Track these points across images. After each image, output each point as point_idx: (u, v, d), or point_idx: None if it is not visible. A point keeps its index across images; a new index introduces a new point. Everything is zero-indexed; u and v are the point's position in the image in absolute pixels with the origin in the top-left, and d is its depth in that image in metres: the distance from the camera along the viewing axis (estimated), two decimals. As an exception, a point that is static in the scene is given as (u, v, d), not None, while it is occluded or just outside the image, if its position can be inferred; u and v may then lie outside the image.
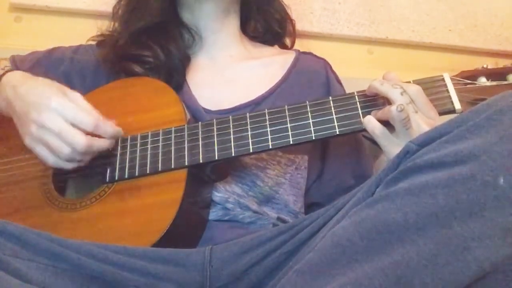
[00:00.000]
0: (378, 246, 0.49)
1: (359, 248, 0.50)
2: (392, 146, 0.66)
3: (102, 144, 0.72)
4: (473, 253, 0.46)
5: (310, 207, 0.87)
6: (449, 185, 0.49)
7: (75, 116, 0.70)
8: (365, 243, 0.50)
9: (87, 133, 0.70)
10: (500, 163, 0.48)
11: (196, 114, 0.82)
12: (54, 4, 1.12)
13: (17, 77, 0.77)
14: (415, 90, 0.66)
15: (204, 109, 0.83)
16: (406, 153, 0.55)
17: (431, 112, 0.66)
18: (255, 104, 0.85)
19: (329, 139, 0.88)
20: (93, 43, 0.94)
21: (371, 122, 0.68)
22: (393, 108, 0.64)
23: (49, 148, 0.70)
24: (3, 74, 0.79)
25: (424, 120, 0.65)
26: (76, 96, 0.73)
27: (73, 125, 0.69)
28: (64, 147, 0.69)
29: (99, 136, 0.72)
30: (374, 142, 0.70)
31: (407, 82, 0.70)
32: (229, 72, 0.90)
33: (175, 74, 0.85)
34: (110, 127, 0.73)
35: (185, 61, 0.88)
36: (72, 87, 0.89)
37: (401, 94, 0.65)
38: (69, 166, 0.72)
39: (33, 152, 0.72)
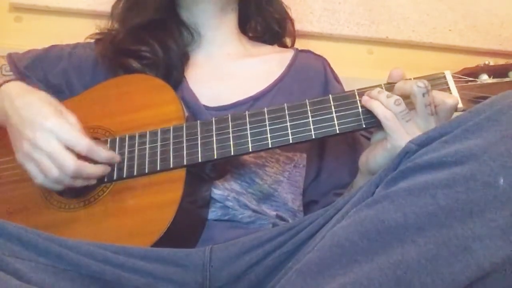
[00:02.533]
0: (378, 246, 0.49)
1: (359, 248, 0.50)
2: (401, 132, 0.65)
3: (93, 170, 0.71)
4: (473, 253, 0.46)
5: (307, 205, 0.87)
6: (449, 185, 0.49)
7: (70, 138, 0.69)
8: (365, 243, 0.50)
9: (82, 158, 0.69)
10: (500, 163, 0.48)
11: (195, 110, 0.82)
12: (54, 4, 1.12)
13: (15, 88, 0.76)
14: (451, 104, 0.66)
15: (204, 105, 0.83)
16: (406, 153, 0.55)
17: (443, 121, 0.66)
18: (254, 100, 0.85)
19: (327, 138, 0.88)
20: (91, 41, 0.94)
21: (380, 106, 0.66)
22: (419, 84, 0.63)
23: (39, 167, 0.69)
24: (2, 83, 0.78)
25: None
26: (71, 117, 0.73)
27: (67, 148, 0.69)
28: (53, 168, 0.68)
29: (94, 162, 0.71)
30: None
31: (407, 79, 0.70)
32: (228, 69, 0.90)
33: (173, 71, 0.85)
34: (103, 151, 0.72)
35: (184, 58, 0.88)
36: (71, 84, 0.90)
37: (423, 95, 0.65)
38: (58, 187, 0.71)
39: (24, 168, 0.71)
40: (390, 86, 0.70)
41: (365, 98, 0.68)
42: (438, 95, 0.66)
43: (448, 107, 0.65)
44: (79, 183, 0.71)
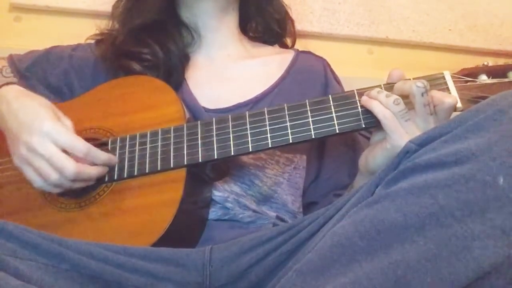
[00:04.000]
0: (378, 246, 0.49)
1: (359, 248, 0.50)
2: (400, 132, 0.65)
3: (92, 172, 0.71)
4: (473, 253, 0.46)
5: (307, 206, 0.87)
6: (449, 185, 0.49)
7: (67, 142, 0.69)
8: (365, 243, 0.50)
9: (79, 160, 0.69)
10: (500, 163, 0.48)
11: (195, 112, 0.82)
12: (54, 4, 1.12)
13: (12, 92, 0.76)
14: (449, 103, 0.65)
15: (203, 107, 0.83)
16: (406, 153, 0.55)
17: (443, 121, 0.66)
18: (254, 103, 0.85)
19: (327, 139, 0.88)
20: (92, 41, 0.94)
21: (379, 106, 0.66)
22: (418, 83, 0.64)
23: (38, 171, 0.69)
24: (0, 86, 0.78)
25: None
26: (69, 122, 0.73)
27: (65, 151, 0.69)
28: (52, 172, 0.68)
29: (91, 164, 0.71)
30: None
31: (407, 79, 0.70)
32: (228, 71, 0.90)
33: (174, 73, 0.85)
34: (102, 154, 0.72)
35: (184, 59, 0.88)
36: (71, 85, 0.90)
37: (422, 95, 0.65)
38: (57, 190, 0.71)
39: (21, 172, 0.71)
40: (389, 86, 0.70)
41: (364, 98, 0.68)
42: (437, 95, 0.66)
43: (447, 107, 0.65)
44: (78, 185, 0.71)
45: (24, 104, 0.73)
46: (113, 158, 0.74)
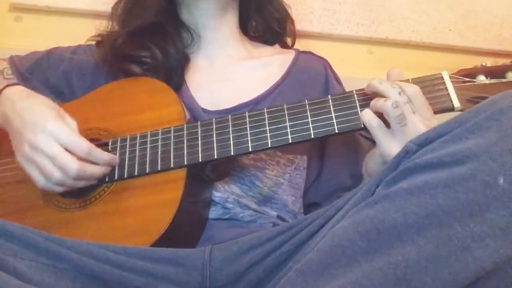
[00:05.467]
0: (378, 246, 0.49)
1: (359, 248, 0.50)
2: (387, 141, 0.65)
3: (95, 170, 0.72)
4: (473, 253, 0.46)
5: (308, 207, 0.87)
6: (449, 185, 0.49)
7: (70, 141, 0.69)
8: (365, 243, 0.50)
9: (81, 159, 0.70)
10: (500, 163, 0.48)
11: (195, 114, 0.82)
12: (54, 4, 1.12)
13: (17, 92, 0.77)
14: (414, 91, 0.66)
15: (203, 109, 0.83)
16: (405, 153, 0.55)
17: (427, 113, 0.66)
18: (254, 104, 0.85)
19: (328, 139, 0.88)
20: (92, 43, 0.94)
21: (368, 114, 0.67)
22: (388, 103, 0.64)
23: (41, 170, 0.69)
24: (4, 88, 0.78)
25: (421, 121, 0.65)
26: (73, 122, 0.73)
27: (67, 150, 0.69)
28: (56, 171, 0.69)
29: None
30: (373, 141, 0.70)
31: (405, 80, 0.70)
32: (228, 72, 0.90)
33: (173, 75, 0.85)
34: (103, 153, 0.72)
35: (184, 61, 0.88)
36: (72, 87, 0.90)
37: (399, 94, 0.65)
38: (59, 189, 0.72)
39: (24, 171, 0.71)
40: (360, 93, 0.70)
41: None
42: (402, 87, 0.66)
43: (413, 93, 0.65)
44: (80, 184, 0.72)
45: (29, 104, 0.73)
46: (115, 158, 0.74)
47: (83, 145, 0.70)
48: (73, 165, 0.69)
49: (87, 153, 0.70)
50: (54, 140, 0.69)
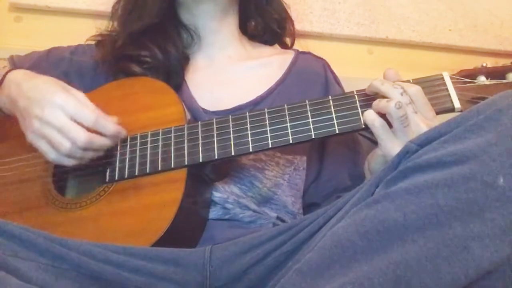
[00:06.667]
0: (377, 246, 0.49)
1: (359, 248, 0.50)
2: (390, 141, 0.66)
3: (103, 141, 0.72)
4: (473, 253, 0.46)
5: (307, 207, 0.87)
6: (449, 185, 0.49)
7: (76, 111, 0.70)
8: (365, 243, 0.50)
9: (89, 130, 0.71)
10: (500, 163, 0.48)
11: (195, 114, 0.82)
12: (54, 4, 1.12)
13: (20, 74, 0.78)
14: (415, 91, 0.66)
15: (203, 109, 0.83)
16: (406, 153, 0.55)
17: (429, 113, 0.66)
18: (253, 105, 0.85)
19: (327, 140, 0.88)
20: (92, 43, 0.94)
21: (371, 114, 0.67)
22: (391, 104, 0.64)
23: (51, 143, 0.70)
24: (7, 72, 0.79)
25: (423, 121, 0.65)
26: (79, 93, 0.74)
27: (75, 121, 0.70)
28: (65, 141, 0.70)
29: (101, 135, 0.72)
30: (374, 141, 0.70)
31: (406, 81, 0.70)
32: (228, 73, 0.90)
33: (173, 75, 0.85)
34: (111, 124, 0.73)
35: (184, 61, 0.88)
36: (71, 86, 0.89)
37: (401, 94, 0.65)
38: (69, 162, 0.72)
39: (35, 147, 0.72)
40: (361, 94, 0.71)
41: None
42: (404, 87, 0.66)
43: (415, 93, 0.66)
44: (89, 155, 0.72)
45: (34, 83, 0.74)
46: (123, 131, 0.75)
47: (89, 115, 0.71)
48: (82, 134, 0.69)
49: (93, 121, 0.71)
50: (61, 111, 0.70)
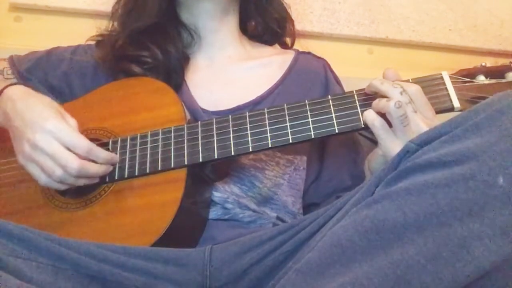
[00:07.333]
0: (377, 245, 0.49)
1: (359, 248, 0.50)
2: (390, 141, 0.66)
3: (96, 169, 0.72)
4: (473, 253, 0.46)
5: (307, 207, 0.87)
6: (449, 184, 0.49)
7: (70, 139, 0.69)
8: (365, 242, 0.50)
9: (82, 158, 0.70)
10: (500, 163, 0.48)
11: (195, 114, 0.82)
12: (54, 4, 1.12)
13: (17, 92, 0.77)
14: (415, 90, 0.66)
15: (203, 109, 0.83)
16: (406, 153, 0.55)
17: (429, 113, 0.66)
18: (254, 105, 0.85)
19: (327, 139, 0.88)
20: (92, 43, 0.94)
21: (371, 114, 0.67)
22: (391, 103, 0.64)
23: (41, 168, 0.70)
24: (5, 87, 0.78)
25: (423, 120, 0.65)
26: (72, 120, 0.73)
27: (67, 149, 0.69)
28: (56, 169, 0.69)
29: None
30: (374, 141, 0.70)
31: (405, 80, 0.70)
32: (228, 73, 0.90)
33: (173, 74, 0.85)
34: (103, 152, 0.72)
35: (184, 61, 0.88)
36: (71, 86, 0.90)
37: (401, 93, 0.65)
38: (61, 187, 0.72)
39: (26, 170, 0.71)
40: (361, 93, 0.71)
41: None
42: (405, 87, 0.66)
43: (414, 93, 0.66)
44: (81, 182, 0.72)
45: (29, 103, 0.74)
46: (115, 157, 0.74)
47: (83, 143, 0.70)
48: (74, 163, 0.69)
49: (87, 151, 0.70)
50: (53, 139, 0.69)
